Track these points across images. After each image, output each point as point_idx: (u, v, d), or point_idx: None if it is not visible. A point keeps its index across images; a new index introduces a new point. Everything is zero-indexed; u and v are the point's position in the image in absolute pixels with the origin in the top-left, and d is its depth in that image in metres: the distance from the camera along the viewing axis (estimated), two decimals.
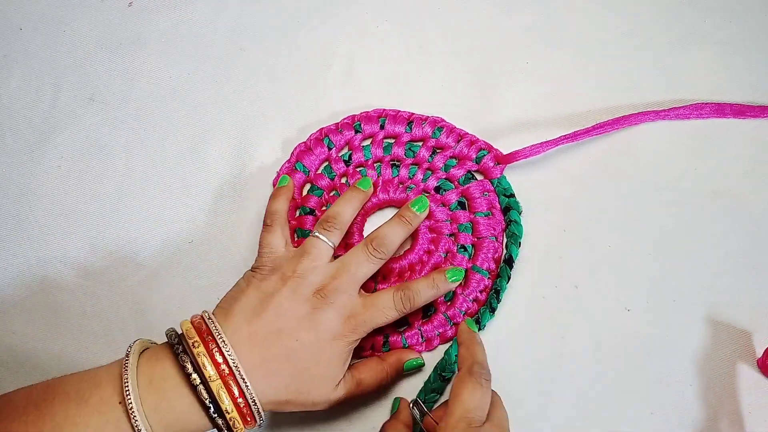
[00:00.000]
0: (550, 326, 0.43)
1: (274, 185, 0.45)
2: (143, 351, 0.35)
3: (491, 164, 0.45)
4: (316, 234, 0.39)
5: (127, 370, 0.33)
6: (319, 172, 0.46)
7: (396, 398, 0.41)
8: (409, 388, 0.42)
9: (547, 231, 0.45)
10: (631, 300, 0.44)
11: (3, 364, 0.42)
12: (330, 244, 0.39)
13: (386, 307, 0.38)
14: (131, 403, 0.32)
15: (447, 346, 0.43)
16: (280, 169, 0.46)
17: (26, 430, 0.31)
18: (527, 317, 0.43)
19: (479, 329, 0.42)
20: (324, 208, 0.45)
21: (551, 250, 0.45)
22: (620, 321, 0.43)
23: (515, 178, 0.46)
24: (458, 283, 0.40)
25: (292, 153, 0.46)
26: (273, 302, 0.36)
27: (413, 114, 0.47)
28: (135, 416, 0.32)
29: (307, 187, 0.46)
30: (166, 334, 0.35)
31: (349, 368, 0.39)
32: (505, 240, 0.45)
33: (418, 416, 0.39)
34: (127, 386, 0.32)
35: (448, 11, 0.51)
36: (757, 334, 0.43)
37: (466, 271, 0.43)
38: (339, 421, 0.42)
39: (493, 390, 0.37)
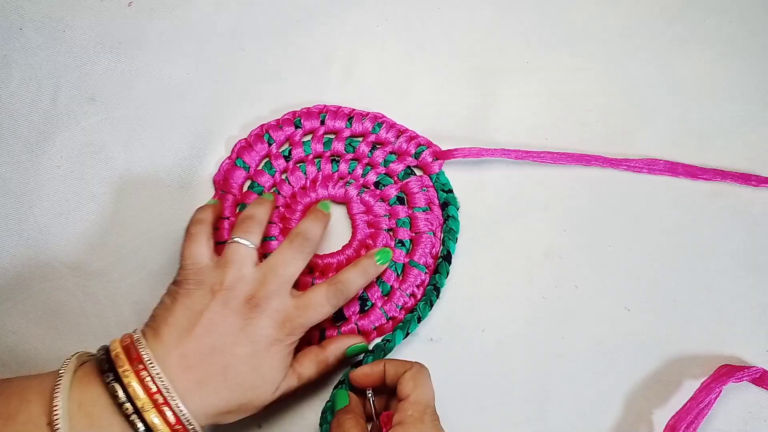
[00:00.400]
0: (550, 326, 0.43)
1: (215, 182, 0.45)
2: (80, 366, 0.34)
3: (430, 159, 0.46)
4: (236, 239, 0.38)
5: (58, 390, 0.31)
6: (260, 168, 0.46)
7: (339, 390, 0.40)
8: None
9: (547, 231, 0.45)
10: (631, 300, 0.44)
11: (3, 364, 0.42)
12: (251, 246, 0.38)
13: (319, 304, 0.37)
14: (59, 428, 0.31)
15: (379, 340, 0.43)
16: (220, 166, 0.46)
17: None
18: (527, 317, 0.43)
19: (417, 322, 0.42)
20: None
21: (551, 250, 0.45)
22: (620, 321, 0.43)
23: (515, 177, 0.46)
24: (387, 264, 0.41)
25: (233, 149, 0.46)
26: (203, 320, 0.35)
27: (354, 110, 0.47)
28: None
29: (248, 183, 0.46)
30: (96, 356, 0.34)
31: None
32: (441, 235, 0.45)
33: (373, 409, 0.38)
34: (57, 410, 0.31)
35: (448, 11, 0.51)
36: (761, 329, 0.43)
37: (404, 266, 0.43)
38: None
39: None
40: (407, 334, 0.42)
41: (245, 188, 0.46)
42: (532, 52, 0.50)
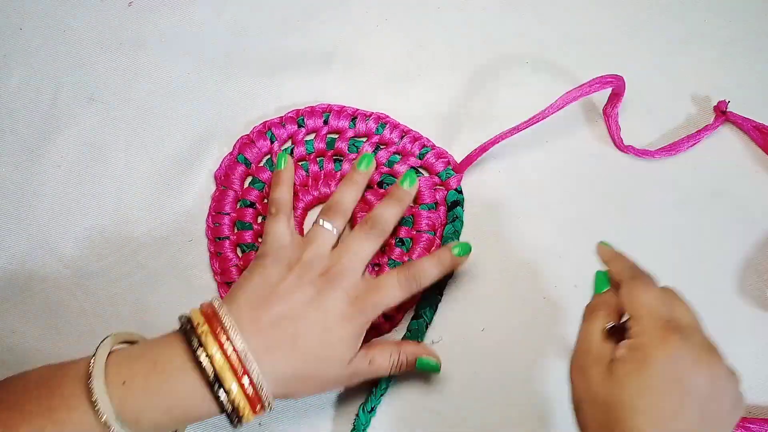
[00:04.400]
0: (551, 326, 0.43)
1: (216, 178, 0.45)
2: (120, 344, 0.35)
3: (434, 160, 0.46)
4: (321, 222, 0.39)
5: (92, 373, 0.32)
6: (261, 165, 0.46)
7: (600, 272, 0.38)
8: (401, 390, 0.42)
9: (547, 230, 0.45)
10: None
11: (3, 364, 0.42)
12: (334, 231, 0.39)
13: (391, 286, 0.38)
14: (93, 384, 0.32)
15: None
16: (221, 161, 0.46)
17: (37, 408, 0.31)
18: (528, 317, 0.43)
19: (427, 322, 0.42)
20: (265, 201, 0.45)
21: (551, 250, 0.45)
22: None
23: (515, 177, 0.46)
24: (465, 257, 0.40)
25: (234, 145, 0.46)
26: (278, 289, 0.36)
27: (358, 110, 0.47)
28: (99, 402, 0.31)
29: (249, 179, 0.46)
30: (181, 322, 0.35)
31: (361, 346, 0.38)
32: (442, 235, 0.45)
33: None
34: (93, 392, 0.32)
35: (448, 11, 0.51)
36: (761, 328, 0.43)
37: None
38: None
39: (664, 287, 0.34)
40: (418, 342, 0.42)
41: (246, 184, 0.46)
42: (532, 52, 0.50)
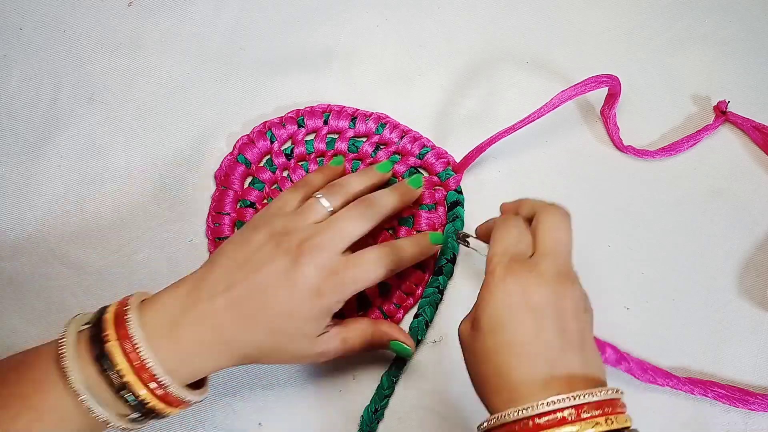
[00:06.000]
0: None
1: (216, 178, 0.45)
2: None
3: (433, 160, 0.46)
4: (318, 196, 0.38)
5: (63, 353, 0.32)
6: (261, 165, 0.46)
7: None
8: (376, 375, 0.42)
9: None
10: (631, 299, 0.44)
11: None
12: (328, 208, 0.37)
13: (371, 262, 0.36)
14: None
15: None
16: (221, 162, 0.46)
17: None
18: None
19: (428, 321, 0.43)
20: (265, 201, 0.45)
21: None
22: (620, 320, 0.43)
23: (514, 177, 0.46)
24: (439, 246, 0.41)
25: (234, 145, 0.46)
26: (255, 257, 0.35)
27: (358, 110, 0.47)
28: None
29: (249, 179, 0.46)
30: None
31: (335, 324, 0.37)
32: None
33: (467, 245, 0.39)
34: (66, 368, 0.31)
35: (448, 11, 0.51)
36: (761, 328, 0.43)
37: None
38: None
39: (555, 210, 0.35)
40: (418, 341, 0.42)
41: (246, 184, 0.46)
42: (532, 52, 0.50)
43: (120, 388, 0.31)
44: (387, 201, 0.39)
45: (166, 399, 0.33)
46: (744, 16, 0.51)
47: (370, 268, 0.36)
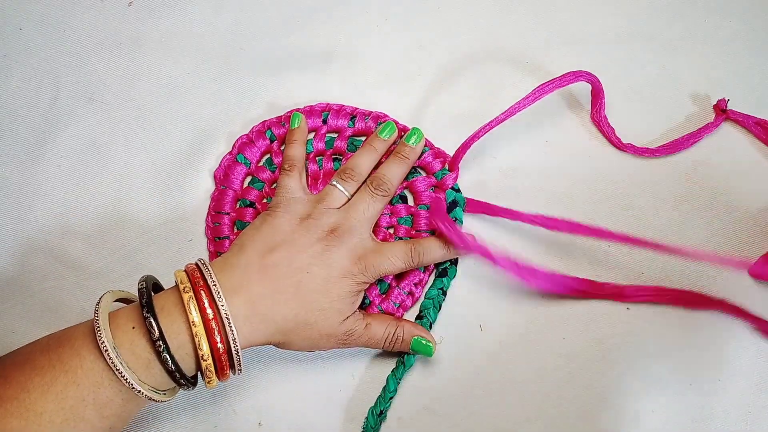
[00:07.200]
0: (551, 326, 0.43)
1: (215, 178, 0.45)
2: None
3: (431, 159, 0.45)
4: (334, 183, 0.41)
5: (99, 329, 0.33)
6: (260, 164, 0.46)
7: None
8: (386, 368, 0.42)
9: (546, 230, 0.45)
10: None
11: None
12: (346, 193, 0.41)
13: (395, 256, 0.40)
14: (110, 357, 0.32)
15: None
16: (221, 161, 0.46)
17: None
18: (528, 317, 0.43)
19: (431, 322, 0.43)
20: (264, 200, 0.45)
21: (551, 250, 0.45)
22: (620, 320, 0.43)
23: (514, 177, 0.46)
24: (461, 253, 0.43)
25: (234, 145, 0.46)
26: (288, 238, 0.38)
27: (357, 109, 0.47)
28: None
29: (248, 179, 0.46)
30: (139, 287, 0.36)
31: (360, 310, 0.40)
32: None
33: None
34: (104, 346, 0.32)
35: (448, 11, 0.51)
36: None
37: None
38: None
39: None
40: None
41: (245, 184, 0.46)
42: (532, 52, 0.50)
43: (175, 347, 0.33)
44: (394, 174, 0.42)
45: (221, 361, 0.34)
46: (743, 14, 0.51)
47: (392, 259, 0.40)
